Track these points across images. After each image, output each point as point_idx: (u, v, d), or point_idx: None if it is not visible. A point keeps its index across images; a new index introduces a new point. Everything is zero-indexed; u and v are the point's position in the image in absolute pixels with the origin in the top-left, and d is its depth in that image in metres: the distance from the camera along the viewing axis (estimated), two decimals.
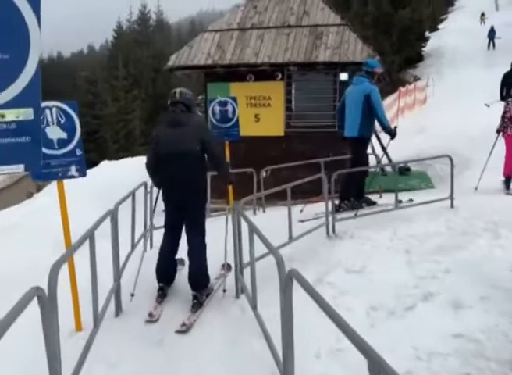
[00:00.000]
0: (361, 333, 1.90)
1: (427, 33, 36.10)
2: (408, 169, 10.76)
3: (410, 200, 7.19)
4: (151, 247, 5.97)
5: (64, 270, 3.05)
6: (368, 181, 7.64)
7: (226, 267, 4.96)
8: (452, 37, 37.30)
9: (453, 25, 43.75)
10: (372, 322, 4.23)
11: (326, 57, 8.81)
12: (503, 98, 12.97)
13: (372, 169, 11.55)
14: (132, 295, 4.52)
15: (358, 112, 6.82)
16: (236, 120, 6.18)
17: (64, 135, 3.73)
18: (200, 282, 4.49)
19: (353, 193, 7.05)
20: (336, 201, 6.66)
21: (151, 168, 4.63)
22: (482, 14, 42.22)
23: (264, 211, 7.70)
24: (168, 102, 4.60)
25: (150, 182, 6.04)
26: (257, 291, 4.00)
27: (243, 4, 10.14)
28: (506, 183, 8.07)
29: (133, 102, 34.65)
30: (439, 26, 43.17)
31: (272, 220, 6.48)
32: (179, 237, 4.67)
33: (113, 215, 3.81)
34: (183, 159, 4.36)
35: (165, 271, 4.62)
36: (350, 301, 4.61)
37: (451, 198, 6.76)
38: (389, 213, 6.52)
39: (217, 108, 6.95)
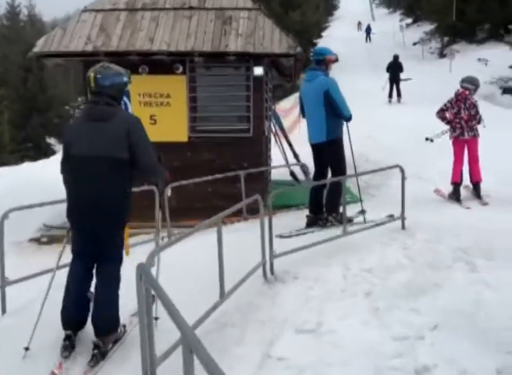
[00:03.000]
0: None
1: (314, 40, 36.91)
2: None
3: (362, 211, 6.05)
4: (4, 312, 3.99)
5: None
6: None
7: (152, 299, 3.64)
8: (337, 43, 38.19)
9: (335, 32, 45.51)
10: None
11: (238, 46, 7.23)
12: (390, 93, 19.32)
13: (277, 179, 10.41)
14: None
15: (321, 112, 5.66)
16: None
17: None
18: (105, 326, 3.40)
19: (333, 205, 5.85)
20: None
21: (64, 178, 3.55)
22: (359, 23, 46.76)
23: None
24: (89, 95, 3.55)
25: None
26: None
27: None
28: (477, 190, 7.23)
29: (0, 104, 30.51)
30: (323, 34, 44.54)
31: (186, 255, 4.79)
32: (90, 266, 3.53)
33: None
34: (99, 167, 3.31)
35: (73, 312, 3.44)
36: None
37: (402, 217, 5.56)
38: (333, 241, 5.12)
39: None
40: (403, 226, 5.58)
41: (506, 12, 23.73)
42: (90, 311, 3.49)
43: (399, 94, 19.17)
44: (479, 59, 24.28)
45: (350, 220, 5.70)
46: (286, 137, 10.03)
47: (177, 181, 6.26)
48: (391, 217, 5.82)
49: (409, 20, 44.28)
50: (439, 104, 7.72)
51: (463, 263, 4.60)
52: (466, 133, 7.14)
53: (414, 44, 34.92)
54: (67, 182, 3.50)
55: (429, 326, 3.66)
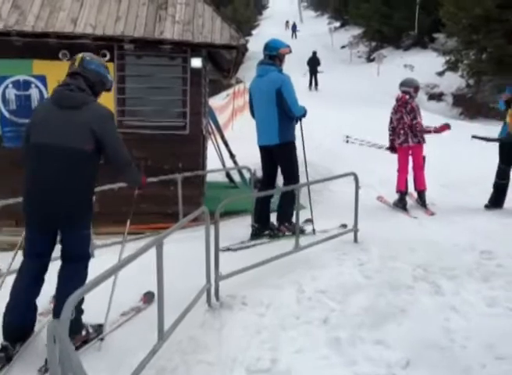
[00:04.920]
0: None
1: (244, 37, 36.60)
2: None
3: (309, 220, 5.61)
4: None
5: None
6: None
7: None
8: (266, 41, 38.15)
9: (264, 31, 45.59)
10: None
11: (175, 34, 6.48)
12: (310, 83, 23.39)
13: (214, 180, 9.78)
14: None
15: (273, 111, 5.10)
16: None
17: None
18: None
19: (286, 214, 5.40)
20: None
21: (23, 164, 3.29)
22: (287, 22, 48.10)
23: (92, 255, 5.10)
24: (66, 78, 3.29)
25: None
26: None
27: None
28: (422, 198, 6.90)
29: None
30: (253, 32, 44.67)
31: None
32: (42, 271, 3.23)
33: None
34: (61, 159, 3.07)
35: (16, 321, 3.08)
36: None
37: (355, 230, 5.11)
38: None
39: (12, 93, 4.24)
40: (355, 240, 5.14)
41: (431, 21, 24.45)
42: (35, 321, 3.22)
43: (316, 84, 23.37)
44: (405, 65, 24.91)
45: (301, 231, 5.21)
46: (222, 137, 9.40)
47: (100, 181, 5.46)
48: (343, 227, 5.40)
49: (337, 24, 45.03)
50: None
51: (425, 283, 4.23)
52: (410, 140, 6.83)
53: (343, 47, 35.45)
54: (26, 171, 3.21)
55: (401, 362, 3.21)
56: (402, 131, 6.89)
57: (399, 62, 25.70)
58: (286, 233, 5.30)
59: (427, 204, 6.85)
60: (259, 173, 9.14)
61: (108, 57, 6.76)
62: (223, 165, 9.09)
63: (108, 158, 3.22)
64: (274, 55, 5.21)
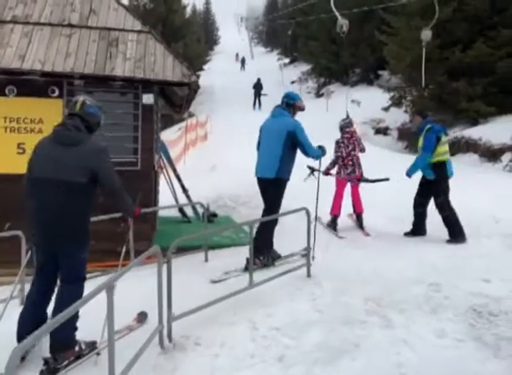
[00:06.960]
0: None
1: (196, 72, 37.04)
2: (215, 215, 9.02)
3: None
4: None
5: None
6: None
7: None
8: (218, 76, 38.90)
9: (216, 65, 46.35)
10: None
11: (126, 71, 6.46)
12: (254, 103, 28.01)
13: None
14: None
15: (278, 149, 5.54)
16: None
17: None
18: (58, 341, 3.41)
19: (263, 246, 5.60)
20: None
21: (25, 194, 3.65)
22: (237, 54, 51.37)
23: None
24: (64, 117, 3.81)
25: None
26: None
27: None
28: (359, 220, 7.53)
29: None
30: (204, 67, 45.21)
31: None
32: (50, 283, 3.67)
33: None
34: (59, 191, 3.45)
35: (27, 327, 3.37)
36: None
37: (308, 264, 5.16)
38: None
39: None
40: (308, 274, 5.17)
41: (376, 58, 25.47)
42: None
43: (260, 104, 27.74)
44: (353, 101, 25.71)
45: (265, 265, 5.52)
46: (174, 171, 9.36)
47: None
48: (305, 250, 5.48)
49: (286, 60, 46.30)
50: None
51: (376, 317, 4.28)
52: (357, 170, 7.49)
53: (292, 82, 36.37)
54: (28, 201, 3.57)
55: None
56: (351, 162, 7.50)
57: (346, 98, 26.54)
58: (269, 264, 5.57)
59: (364, 226, 7.38)
60: (212, 208, 9.17)
61: (57, 93, 6.67)
62: (176, 199, 9.02)
63: (103, 187, 3.55)
64: (290, 103, 5.78)
